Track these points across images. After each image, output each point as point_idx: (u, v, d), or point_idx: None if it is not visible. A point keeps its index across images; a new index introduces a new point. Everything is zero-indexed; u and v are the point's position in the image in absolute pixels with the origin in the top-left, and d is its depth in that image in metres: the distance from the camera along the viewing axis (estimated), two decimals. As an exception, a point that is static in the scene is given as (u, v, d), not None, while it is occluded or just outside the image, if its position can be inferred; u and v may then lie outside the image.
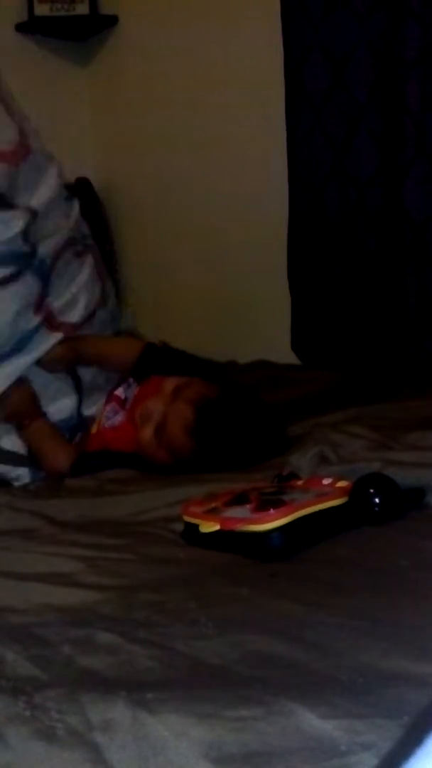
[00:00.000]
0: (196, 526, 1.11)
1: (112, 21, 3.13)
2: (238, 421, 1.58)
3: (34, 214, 1.84)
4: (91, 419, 1.85)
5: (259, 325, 2.71)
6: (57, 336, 1.82)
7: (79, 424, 1.86)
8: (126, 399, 1.80)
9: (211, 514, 1.11)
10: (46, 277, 1.83)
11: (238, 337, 2.74)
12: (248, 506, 1.09)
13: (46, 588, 0.98)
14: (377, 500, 1.13)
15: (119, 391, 1.83)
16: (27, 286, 1.79)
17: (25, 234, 1.79)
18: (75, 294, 1.90)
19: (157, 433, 1.60)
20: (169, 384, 1.64)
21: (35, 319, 1.80)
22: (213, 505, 1.14)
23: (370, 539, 1.08)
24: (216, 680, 0.72)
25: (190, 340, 2.40)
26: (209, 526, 1.09)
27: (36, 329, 1.80)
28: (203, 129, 2.86)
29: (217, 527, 1.08)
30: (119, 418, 1.77)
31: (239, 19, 2.67)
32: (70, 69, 3.24)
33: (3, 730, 0.65)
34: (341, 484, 1.15)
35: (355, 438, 1.48)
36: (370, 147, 2.27)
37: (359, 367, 2.29)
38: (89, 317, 1.93)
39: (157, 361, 1.83)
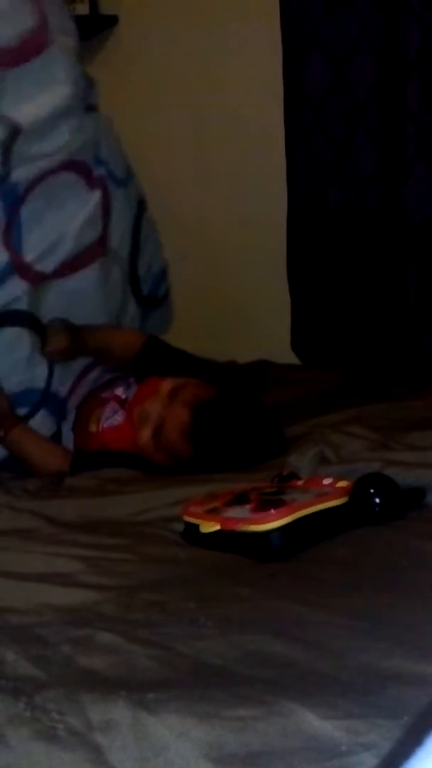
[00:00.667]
0: (197, 526, 1.11)
1: (112, 21, 3.12)
2: (235, 423, 1.57)
3: (15, 131, 1.57)
4: (57, 399, 1.79)
5: (259, 325, 2.71)
6: (23, 286, 1.65)
7: (43, 399, 1.76)
8: (126, 399, 1.80)
9: (212, 514, 1.11)
10: (10, 209, 1.60)
11: (238, 337, 2.73)
12: (248, 506, 1.09)
13: (47, 588, 0.98)
14: (377, 500, 1.13)
15: (119, 391, 1.83)
16: None
17: (4, 152, 1.55)
18: (58, 236, 1.67)
19: (155, 435, 1.60)
20: (166, 385, 1.64)
21: (4, 253, 1.61)
22: (213, 505, 1.14)
23: (370, 539, 1.08)
24: (216, 680, 0.72)
25: (190, 340, 2.40)
26: (209, 526, 1.09)
27: (5, 271, 1.62)
28: (203, 129, 2.86)
29: (217, 527, 1.08)
30: (119, 418, 1.77)
31: (239, 19, 2.66)
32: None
33: (4, 731, 0.65)
34: (341, 484, 1.15)
35: (355, 438, 1.48)
36: (369, 147, 2.27)
37: (359, 367, 2.29)
38: (72, 264, 1.73)
39: (159, 357, 1.82)
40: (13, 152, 1.58)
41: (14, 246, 1.64)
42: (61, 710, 0.67)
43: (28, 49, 1.62)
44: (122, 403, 1.80)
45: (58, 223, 1.70)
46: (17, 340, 1.71)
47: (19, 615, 0.90)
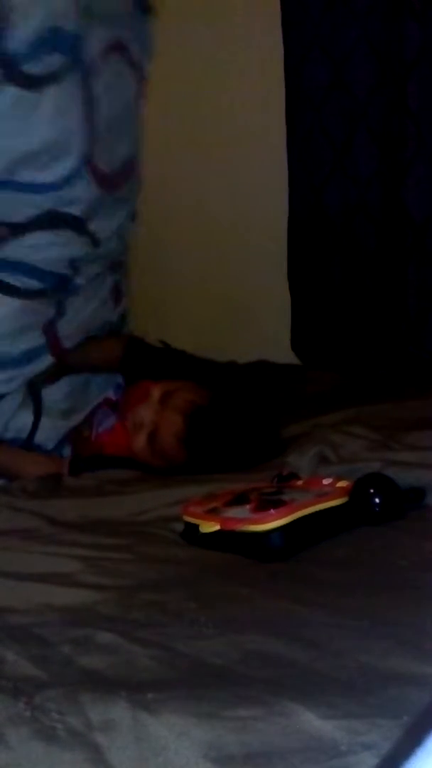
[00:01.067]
0: (196, 527, 1.11)
1: (112, 21, 3.12)
2: (230, 427, 1.56)
3: (95, 243, 1.76)
4: (40, 449, 1.77)
5: (259, 325, 2.71)
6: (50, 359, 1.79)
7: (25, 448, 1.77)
8: (117, 402, 1.78)
9: (212, 514, 1.11)
10: (62, 304, 1.77)
11: (238, 337, 2.73)
12: (248, 506, 1.09)
13: (46, 588, 0.98)
14: (377, 500, 1.13)
15: (110, 393, 1.81)
16: (41, 309, 1.72)
17: (74, 261, 1.73)
18: (81, 322, 1.83)
19: (149, 441, 1.59)
20: (158, 390, 1.62)
21: (41, 339, 1.75)
22: (213, 505, 1.14)
23: (370, 539, 1.08)
24: (216, 680, 0.72)
25: (190, 340, 2.39)
26: (209, 526, 1.09)
27: (43, 348, 1.75)
28: (203, 128, 2.85)
29: (217, 527, 1.08)
30: (111, 422, 1.76)
31: (239, 18, 2.66)
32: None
33: (3, 731, 0.65)
34: (341, 484, 1.15)
35: (355, 438, 1.48)
36: (370, 146, 2.27)
37: (359, 367, 2.29)
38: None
39: (144, 356, 1.81)
40: (81, 259, 1.75)
41: (53, 329, 1.80)
42: (60, 710, 0.67)
43: (124, 175, 1.81)
44: (113, 405, 1.78)
45: (87, 313, 1.87)
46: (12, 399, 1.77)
47: (19, 615, 0.90)
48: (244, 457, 1.52)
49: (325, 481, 1.17)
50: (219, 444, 1.55)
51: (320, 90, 2.33)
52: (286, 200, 2.48)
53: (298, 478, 1.23)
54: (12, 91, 1.53)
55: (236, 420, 1.59)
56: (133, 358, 1.81)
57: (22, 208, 1.62)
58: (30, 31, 1.52)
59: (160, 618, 0.87)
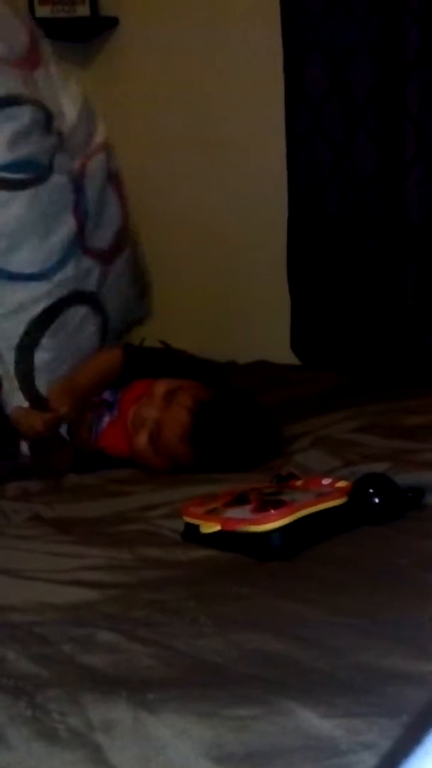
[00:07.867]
0: (197, 527, 1.12)
1: (113, 23, 3.12)
2: (236, 425, 1.56)
3: (58, 134, 1.79)
4: None
5: (259, 325, 2.71)
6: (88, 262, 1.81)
7: None
8: (113, 402, 1.77)
9: (212, 514, 1.12)
10: (78, 188, 1.79)
11: (238, 337, 2.74)
12: (248, 507, 1.09)
13: (47, 587, 0.98)
14: (376, 500, 1.13)
15: (106, 394, 1.78)
16: (56, 188, 1.76)
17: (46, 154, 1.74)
18: (101, 218, 1.86)
19: (152, 439, 1.58)
20: (160, 387, 1.61)
21: (73, 224, 1.78)
22: (213, 505, 1.14)
23: (370, 539, 1.08)
24: (216, 679, 0.72)
25: (190, 340, 2.40)
26: (210, 527, 1.09)
27: (73, 246, 1.77)
28: (203, 130, 2.86)
29: (217, 528, 1.09)
30: (107, 420, 1.75)
31: (239, 20, 2.67)
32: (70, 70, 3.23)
33: (4, 731, 0.65)
34: (341, 484, 1.16)
35: (359, 444, 1.49)
36: (369, 148, 2.27)
37: (359, 367, 2.30)
38: (117, 247, 1.91)
39: (141, 363, 1.80)
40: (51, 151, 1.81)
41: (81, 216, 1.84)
42: (62, 710, 0.67)
43: (33, 58, 1.89)
44: (109, 406, 1.77)
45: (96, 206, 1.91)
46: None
47: (20, 613, 0.90)
48: (250, 455, 1.52)
49: (325, 482, 1.17)
50: (226, 442, 1.53)
51: (320, 91, 2.33)
52: (286, 201, 2.48)
53: (297, 479, 1.23)
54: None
55: (243, 417, 1.58)
56: (132, 367, 1.79)
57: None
58: None
59: (160, 617, 0.87)
